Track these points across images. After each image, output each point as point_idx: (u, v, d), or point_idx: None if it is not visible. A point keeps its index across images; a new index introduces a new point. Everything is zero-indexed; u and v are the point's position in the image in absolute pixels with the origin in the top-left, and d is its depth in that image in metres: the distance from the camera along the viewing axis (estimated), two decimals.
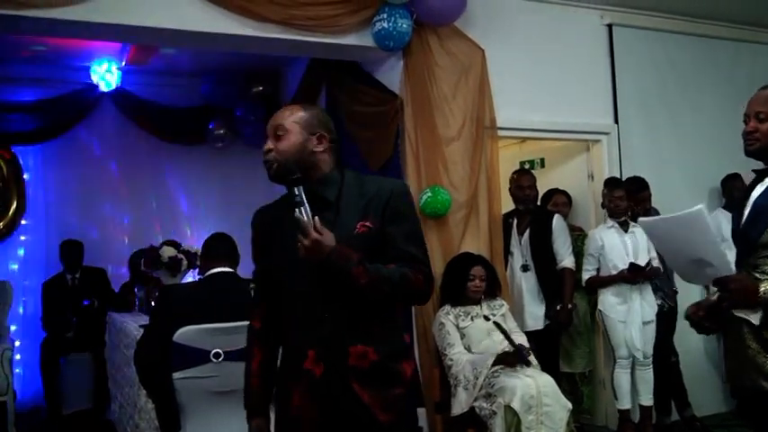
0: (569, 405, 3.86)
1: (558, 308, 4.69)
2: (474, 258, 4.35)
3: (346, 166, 2.21)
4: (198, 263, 5.43)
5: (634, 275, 4.65)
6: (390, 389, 2.06)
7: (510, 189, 4.98)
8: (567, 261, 4.80)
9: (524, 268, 4.83)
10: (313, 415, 2.03)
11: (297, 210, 1.96)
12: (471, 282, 4.19)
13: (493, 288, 4.35)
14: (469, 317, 4.15)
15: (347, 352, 2.02)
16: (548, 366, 4.40)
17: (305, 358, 2.03)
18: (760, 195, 2.35)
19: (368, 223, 2.05)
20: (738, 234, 2.42)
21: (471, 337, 4.11)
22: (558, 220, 4.88)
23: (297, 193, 1.98)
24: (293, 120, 2.12)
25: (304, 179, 2.04)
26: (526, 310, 4.76)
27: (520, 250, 4.88)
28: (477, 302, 4.25)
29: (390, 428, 2.05)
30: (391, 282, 2.01)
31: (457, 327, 4.12)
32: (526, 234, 4.87)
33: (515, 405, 3.68)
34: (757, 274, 2.24)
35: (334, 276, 1.98)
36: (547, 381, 3.87)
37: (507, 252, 4.88)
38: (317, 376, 2.01)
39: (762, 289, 2.16)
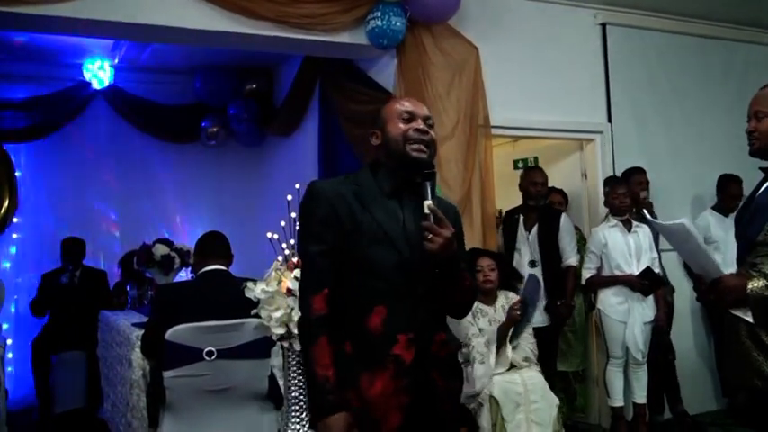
0: (557, 401, 3.86)
1: (559, 303, 4.72)
2: (482, 252, 4.31)
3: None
4: (191, 261, 5.43)
5: (642, 286, 4.63)
6: (455, 380, 2.16)
7: (521, 185, 4.97)
8: (572, 259, 4.83)
9: (532, 264, 4.81)
10: (402, 401, 1.98)
11: (430, 201, 1.97)
12: (479, 273, 4.12)
13: (510, 280, 4.36)
14: (487, 319, 4.04)
15: (432, 339, 2.05)
16: (546, 364, 4.41)
17: (395, 343, 1.99)
18: (761, 193, 2.37)
19: (452, 230, 2.04)
20: (739, 233, 2.44)
21: (489, 336, 4.00)
22: (565, 219, 4.90)
23: (433, 184, 2.02)
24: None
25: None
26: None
27: (528, 246, 4.87)
28: (492, 299, 4.14)
29: (453, 420, 2.14)
30: (474, 291, 2.22)
31: (476, 323, 4.01)
32: (534, 230, 4.86)
33: (496, 394, 3.68)
34: (754, 273, 2.25)
35: (446, 272, 2.03)
36: (534, 377, 3.87)
37: (513, 248, 4.90)
38: (407, 362, 1.98)
39: (750, 286, 2.17)
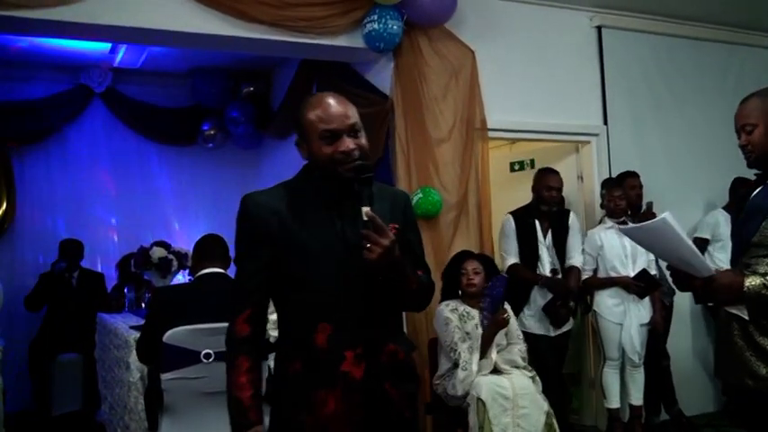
0: (546, 406, 3.81)
1: (558, 303, 4.56)
2: (469, 254, 4.24)
3: None
4: (188, 264, 5.44)
5: (638, 288, 4.63)
6: (411, 384, 2.07)
7: (534, 186, 4.76)
8: (576, 259, 4.75)
9: (554, 272, 4.64)
10: (355, 418, 1.92)
11: (368, 208, 1.84)
12: (463, 276, 4.09)
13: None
14: (474, 323, 3.99)
15: (381, 351, 1.97)
16: (556, 369, 4.44)
17: (342, 360, 1.91)
18: (755, 196, 2.39)
19: (396, 225, 1.99)
20: (734, 233, 2.47)
21: (476, 341, 3.97)
22: (573, 218, 4.84)
23: (370, 192, 1.89)
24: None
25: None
26: None
27: (548, 254, 4.70)
28: (479, 303, 4.06)
29: (413, 424, 2.08)
30: (424, 289, 2.09)
31: (462, 328, 3.98)
32: (549, 236, 4.73)
33: (483, 396, 3.68)
34: (748, 272, 2.27)
35: (389, 280, 1.92)
36: (524, 383, 3.84)
37: (532, 255, 4.66)
38: (357, 379, 1.92)
39: (747, 284, 2.19)
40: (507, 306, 4.10)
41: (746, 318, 2.27)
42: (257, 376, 1.94)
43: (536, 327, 4.60)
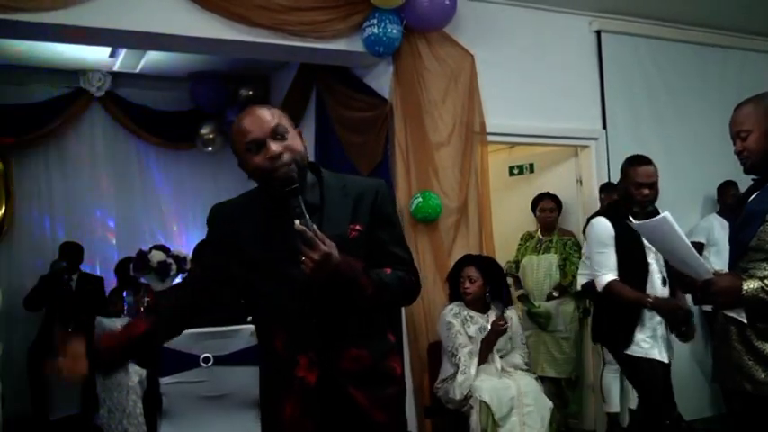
0: (551, 404, 3.87)
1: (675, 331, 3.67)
2: (470, 260, 4.20)
3: (319, 165, 2.10)
4: (187, 267, 5.44)
5: None
6: (385, 388, 2.03)
7: (621, 183, 3.68)
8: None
9: (664, 282, 3.62)
10: (308, 425, 1.94)
11: (298, 221, 1.78)
12: (461, 282, 4.09)
13: (498, 292, 4.13)
14: (477, 327, 4.00)
15: (341, 355, 1.95)
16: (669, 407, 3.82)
17: (296, 365, 1.94)
18: (752, 201, 2.40)
19: (358, 227, 1.97)
20: (731, 238, 2.47)
21: (477, 345, 3.97)
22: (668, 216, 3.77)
23: (298, 204, 1.83)
24: (286, 119, 1.97)
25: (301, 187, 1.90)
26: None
27: (657, 261, 3.60)
28: (483, 307, 4.08)
29: (387, 428, 2.04)
30: (391, 289, 1.99)
31: (465, 332, 3.99)
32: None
33: (486, 399, 3.69)
34: (745, 276, 2.27)
35: (339, 288, 1.88)
36: (528, 382, 3.88)
37: (645, 269, 3.58)
38: (311, 384, 1.93)
39: (745, 287, 2.20)
40: (512, 312, 4.12)
41: (745, 321, 2.27)
42: (141, 341, 2.07)
43: (653, 351, 3.60)
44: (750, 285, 2.20)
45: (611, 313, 3.65)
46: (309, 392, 1.94)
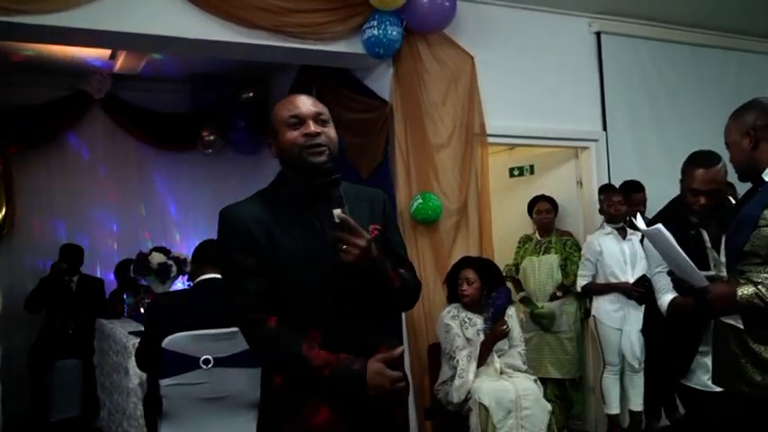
0: (549, 407, 3.87)
1: None
2: (468, 262, 4.21)
3: None
4: (188, 269, 5.44)
5: (637, 294, 4.57)
6: (401, 383, 2.02)
7: (685, 186, 3.05)
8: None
9: None
10: (347, 427, 1.91)
11: (339, 210, 1.85)
12: (459, 284, 4.10)
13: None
14: (475, 329, 4.01)
15: (371, 355, 1.92)
16: None
17: None
18: (745, 206, 2.42)
19: (378, 226, 2.01)
20: (727, 242, 2.49)
21: (476, 347, 3.98)
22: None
23: (339, 193, 1.92)
24: (328, 114, 2.03)
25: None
26: None
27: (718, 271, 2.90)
28: (481, 309, 4.08)
29: (405, 429, 2.07)
30: (409, 285, 2.07)
31: (463, 334, 3.99)
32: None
33: (485, 401, 3.69)
34: (742, 280, 2.29)
35: (372, 280, 1.91)
36: (527, 385, 3.88)
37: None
38: None
39: (739, 293, 2.21)
40: (512, 313, 4.12)
41: (741, 327, 2.27)
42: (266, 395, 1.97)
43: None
44: (744, 291, 2.22)
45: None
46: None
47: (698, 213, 2.94)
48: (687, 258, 2.30)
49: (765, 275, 2.25)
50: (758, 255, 2.28)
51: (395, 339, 2.11)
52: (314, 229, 1.94)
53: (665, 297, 3.06)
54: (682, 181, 3.05)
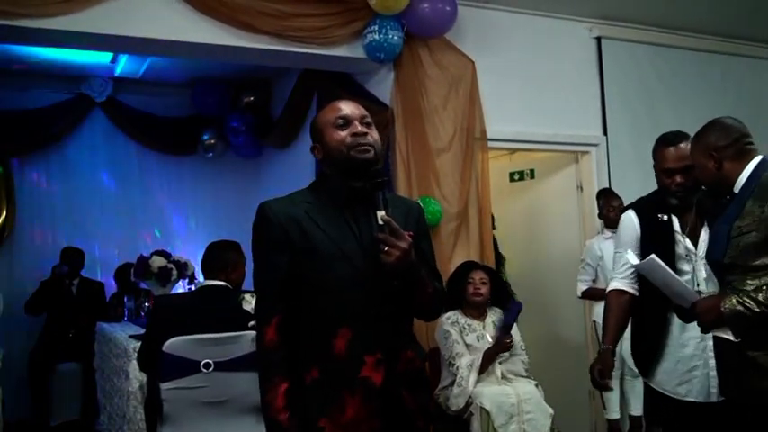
0: (551, 410, 3.87)
1: None
2: (476, 265, 4.25)
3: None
4: (188, 273, 5.44)
5: None
6: (425, 393, 2.08)
7: (658, 169, 2.86)
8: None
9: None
10: (374, 425, 1.92)
11: (383, 212, 1.89)
12: (470, 285, 4.09)
13: (500, 298, 4.23)
14: (475, 335, 4.01)
15: (398, 357, 1.97)
16: None
17: (361, 365, 1.92)
18: (717, 221, 2.45)
19: (412, 233, 1.99)
20: (707, 258, 2.56)
21: (477, 354, 3.99)
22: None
23: (384, 196, 1.95)
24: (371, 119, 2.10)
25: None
26: None
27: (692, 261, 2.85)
28: (482, 314, 4.10)
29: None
30: (440, 294, 2.13)
31: (463, 340, 4.00)
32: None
33: (487, 406, 3.69)
34: (728, 290, 2.32)
35: (408, 283, 1.96)
36: (529, 389, 3.88)
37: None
38: (377, 384, 1.92)
39: (723, 305, 2.24)
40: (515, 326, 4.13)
41: (732, 339, 2.27)
42: (292, 397, 1.93)
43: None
44: (727, 302, 2.23)
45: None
46: (374, 393, 1.92)
47: (676, 194, 2.79)
48: (682, 281, 2.37)
49: (750, 284, 2.26)
50: (737, 265, 2.31)
51: (420, 347, 2.14)
52: (350, 230, 1.98)
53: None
54: (654, 167, 2.88)
